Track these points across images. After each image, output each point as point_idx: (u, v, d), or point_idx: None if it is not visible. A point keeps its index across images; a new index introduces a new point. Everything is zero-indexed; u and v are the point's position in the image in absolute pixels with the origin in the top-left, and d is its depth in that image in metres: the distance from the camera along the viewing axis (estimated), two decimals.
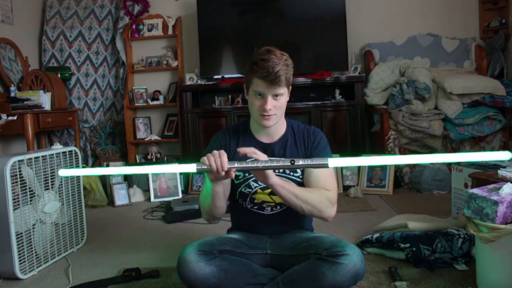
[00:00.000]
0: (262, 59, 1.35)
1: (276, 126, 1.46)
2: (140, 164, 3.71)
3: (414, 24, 3.83)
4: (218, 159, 1.21)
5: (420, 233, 1.84)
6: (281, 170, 1.46)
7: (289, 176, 1.47)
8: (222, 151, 1.23)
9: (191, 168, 1.23)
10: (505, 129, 3.42)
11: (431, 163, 3.32)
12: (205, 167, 1.22)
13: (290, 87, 1.45)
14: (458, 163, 2.35)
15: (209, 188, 1.37)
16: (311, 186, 1.44)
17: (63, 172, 1.28)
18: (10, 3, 3.50)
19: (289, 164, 1.18)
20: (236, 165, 1.23)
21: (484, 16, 3.75)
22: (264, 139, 1.50)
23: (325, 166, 1.16)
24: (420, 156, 1.09)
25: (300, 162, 1.18)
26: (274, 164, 1.22)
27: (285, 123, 1.53)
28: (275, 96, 1.38)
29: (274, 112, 1.39)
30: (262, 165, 1.22)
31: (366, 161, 1.11)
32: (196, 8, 3.74)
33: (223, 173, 1.21)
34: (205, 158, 1.22)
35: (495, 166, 2.10)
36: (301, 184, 1.48)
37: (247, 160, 1.28)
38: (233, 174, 1.24)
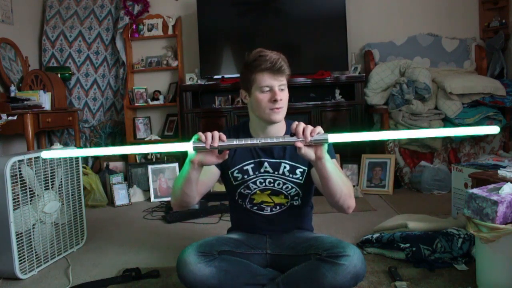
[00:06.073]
0: (260, 55, 1.38)
1: (276, 127, 1.45)
2: (140, 164, 3.70)
3: (414, 24, 3.83)
4: (216, 133, 1.20)
5: (420, 233, 1.84)
6: (280, 173, 1.46)
7: (289, 178, 1.46)
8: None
9: (187, 147, 1.20)
10: (505, 129, 3.41)
11: (431, 164, 3.32)
12: (202, 144, 1.19)
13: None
14: (459, 164, 2.35)
15: (184, 171, 1.30)
16: None
17: (45, 154, 1.26)
18: (10, 3, 3.49)
19: (290, 140, 1.18)
20: (235, 142, 1.21)
21: (484, 16, 3.75)
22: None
23: (325, 141, 1.19)
24: (413, 131, 1.18)
25: (300, 138, 1.17)
26: (274, 140, 1.20)
27: (285, 124, 1.51)
28: (281, 87, 1.39)
29: (282, 104, 1.40)
30: (261, 141, 1.20)
31: (364, 136, 1.18)
32: (196, 8, 3.74)
33: (217, 143, 1.18)
34: (200, 133, 1.21)
35: (495, 166, 2.10)
36: (300, 185, 1.47)
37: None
38: (226, 155, 1.24)
